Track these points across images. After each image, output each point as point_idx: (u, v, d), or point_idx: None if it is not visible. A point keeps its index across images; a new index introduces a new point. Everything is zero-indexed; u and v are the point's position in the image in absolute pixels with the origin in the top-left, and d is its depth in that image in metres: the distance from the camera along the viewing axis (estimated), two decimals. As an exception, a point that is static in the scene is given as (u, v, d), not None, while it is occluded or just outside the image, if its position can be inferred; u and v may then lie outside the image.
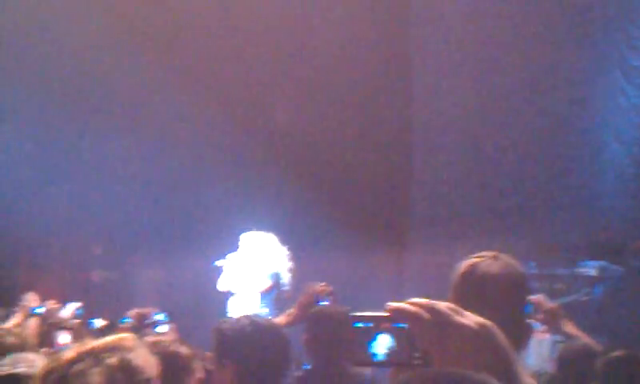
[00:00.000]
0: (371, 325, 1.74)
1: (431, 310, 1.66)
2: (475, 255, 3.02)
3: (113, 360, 2.51)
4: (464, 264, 2.99)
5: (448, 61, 17.13)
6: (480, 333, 1.65)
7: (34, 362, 4.40)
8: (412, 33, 17.51)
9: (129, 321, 7.66)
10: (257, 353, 4.18)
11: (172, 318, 7.68)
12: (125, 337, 2.67)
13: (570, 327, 5.10)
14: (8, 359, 4.48)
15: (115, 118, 15.69)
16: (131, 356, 2.55)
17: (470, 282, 2.87)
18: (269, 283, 11.57)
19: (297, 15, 16.55)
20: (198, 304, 14.82)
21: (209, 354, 4.73)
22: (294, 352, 4.47)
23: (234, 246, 12.25)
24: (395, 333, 1.70)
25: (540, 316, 4.97)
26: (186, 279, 15.67)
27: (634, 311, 13.71)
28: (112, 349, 2.56)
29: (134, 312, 7.76)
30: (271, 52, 16.54)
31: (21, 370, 4.32)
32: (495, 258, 2.99)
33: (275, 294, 11.55)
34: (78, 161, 15.71)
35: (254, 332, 4.25)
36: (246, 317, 4.40)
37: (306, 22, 16.62)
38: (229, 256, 12.00)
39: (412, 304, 1.68)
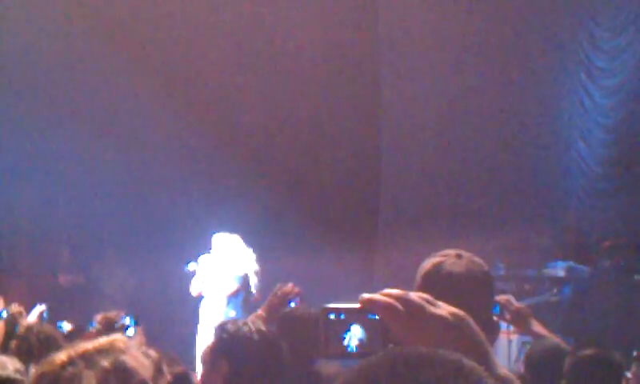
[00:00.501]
0: (344, 316, 1.74)
1: (404, 300, 1.65)
2: (438, 254, 3.01)
3: (106, 363, 2.46)
4: (427, 263, 2.97)
5: (415, 62, 17.17)
6: (454, 323, 1.65)
7: (6, 365, 4.35)
8: (380, 34, 17.55)
9: (96, 325, 7.59)
10: (252, 357, 4.15)
11: (140, 322, 7.61)
12: (117, 338, 2.62)
13: (538, 327, 5.09)
14: None
15: (84, 120, 15.57)
16: (124, 358, 2.51)
17: (434, 281, 2.85)
18: (235, 286, 11.53)
19: (266, 17, 16.53)
20: (167, 308, 14.77)
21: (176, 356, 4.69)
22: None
23: (203, 249, 12.21)
24: (368, 324, 1.70)
25: (507, 316, 4.96)
26: (155, 283, 15.62)
27: (601, 311, 13.78)
28: (105, 351, 2.51)
29: (100, 316, 7.68)
30: (239, 52, 16.50)
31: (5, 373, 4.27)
32: (458, 256, 2.96)
33: (243, 297, 11.51)
34: (46, 164, 15.58)
35: (256, 337, 4.21)
36: (249, 323, 4.36)
37: (275, 22, 16.59)
38: (200, 259, 11.95)
39: (385, 295, 1.67)
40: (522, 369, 5.60)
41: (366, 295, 1.68)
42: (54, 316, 9.00)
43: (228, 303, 11.53)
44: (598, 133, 16.36)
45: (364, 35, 17.28)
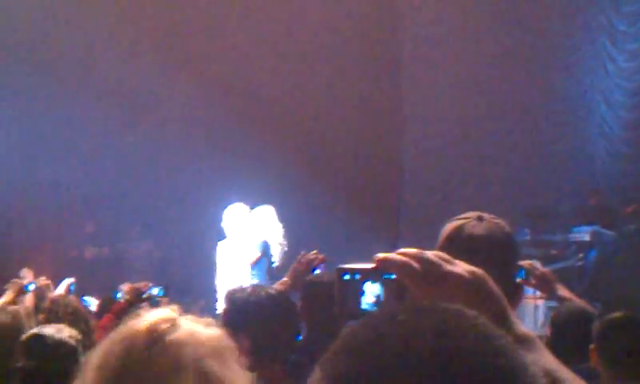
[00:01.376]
0: (359, 276, 1.72)
1: (420, 259, 1.64)
2: (459, 216, 2.98)
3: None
4: (449, 226, 2.94)
5: (436, 28, 17.11)
6: (471, 281, 1.63)
7: (63, 330, 4.36)
8: (400, 14, 17.53)
9: (123, 295, 7.62)
10: (270, 323, 4.12)
11: (167, 293, 7.63)
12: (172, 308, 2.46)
13: (563, 291, 5.08)
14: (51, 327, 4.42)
15: (108, 95, 15.60)
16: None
17: (456, 244, 2.81)
18: (257, 254, 11.52)
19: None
20: (193, 279, 14.82)
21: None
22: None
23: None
24: (384, 284, 1.67)
25: (532, 281, 4.95)
26: (181, 254, 15.67)
27: (627, 275, 13.74)
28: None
29: (127, 286, 7.71)
30: (255, 23, 16.47)
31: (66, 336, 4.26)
32: (480, 218, 2.92)
33: (265, 264, 11.50)
34: (72, 138, 15.64)
35: (268, 303, 4.18)
36: (257, 287, 4.32)
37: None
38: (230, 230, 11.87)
39: (401, 254, 1.65)
40: (548, 332, 5.59)
41: (381, 254, 1.66)
42: (80, 289, 9.07)
43: (252, 271, 11.53)
44: (620, 97, 16.29)
45: (384, 15, 17.24)
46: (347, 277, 1.73)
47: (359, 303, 1.72)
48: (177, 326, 2.20)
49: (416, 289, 1.63)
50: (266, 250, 11.58)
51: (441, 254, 1.67)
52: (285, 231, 11.77)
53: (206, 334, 2.24)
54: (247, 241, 11.58)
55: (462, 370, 1.13)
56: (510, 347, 1.18)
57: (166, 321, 2.22)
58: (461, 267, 1.66)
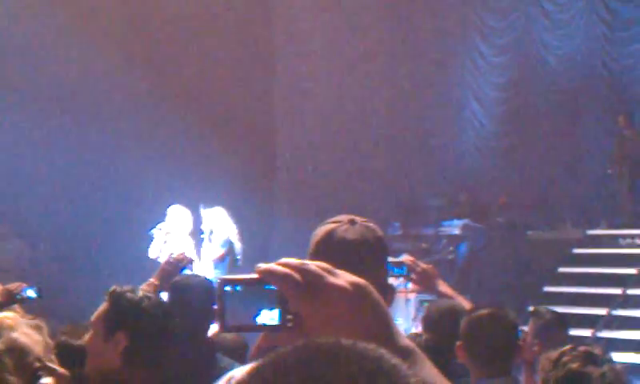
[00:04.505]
0: (240, 288, 1.69)
1: (302, 270, 1.60)
2: (330, 220, 2.98)
3: None
4: (320, 230, 2.93)
5: (310, 23, 17.19)
6: (354, 292, 1.60)
7: None
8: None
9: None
10: (150, 324, 4.05)
11: (41, 294, 7.44)
12: (6, 316, 2.44)
13: (444, 287, 5.12)
14: None
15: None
16: (16, 336, 2.34)
17: (327, 248, 2.81)
18: (221, 252, 12.18)
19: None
20: (65, 278, 14.57)
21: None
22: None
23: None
24: (266, 295, 1.65)
25: (414, 277, 4.97)
26: (51, 253, 15.38)
27: (496, 268, 14.04)
28: None
29: None
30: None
31: None
32: (352, 222, 2.92)
33: (229, 262, 12.21)
34: None
35: (149, 303, 4.11)
36: (147, 293, 4.24)
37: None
38: (159, 225, 12.19)
39: (282, 264, 1.61)
40: (419, 328, 5.65)
41: (262, 265, 1.62)
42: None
43: (215, 268, 12.11)
44: (490, 91, 16.59)
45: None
46: (228, 288, 1.70)
47: (241, 316, 1.70)
48: None
49: (297, 301, 1.60)
50: (230, 248, 12.33)
51: (323, 264, 1.63)
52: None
53: None
54: (212, 238, 12.26)
55: None
56: None
57: None
58: (343, 279, 1.61)
